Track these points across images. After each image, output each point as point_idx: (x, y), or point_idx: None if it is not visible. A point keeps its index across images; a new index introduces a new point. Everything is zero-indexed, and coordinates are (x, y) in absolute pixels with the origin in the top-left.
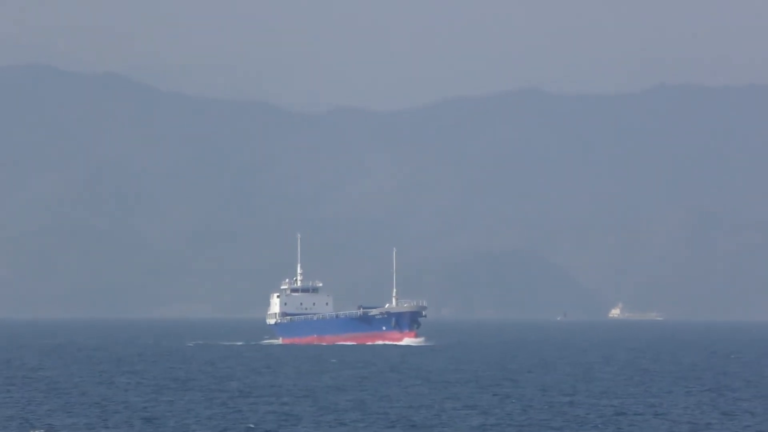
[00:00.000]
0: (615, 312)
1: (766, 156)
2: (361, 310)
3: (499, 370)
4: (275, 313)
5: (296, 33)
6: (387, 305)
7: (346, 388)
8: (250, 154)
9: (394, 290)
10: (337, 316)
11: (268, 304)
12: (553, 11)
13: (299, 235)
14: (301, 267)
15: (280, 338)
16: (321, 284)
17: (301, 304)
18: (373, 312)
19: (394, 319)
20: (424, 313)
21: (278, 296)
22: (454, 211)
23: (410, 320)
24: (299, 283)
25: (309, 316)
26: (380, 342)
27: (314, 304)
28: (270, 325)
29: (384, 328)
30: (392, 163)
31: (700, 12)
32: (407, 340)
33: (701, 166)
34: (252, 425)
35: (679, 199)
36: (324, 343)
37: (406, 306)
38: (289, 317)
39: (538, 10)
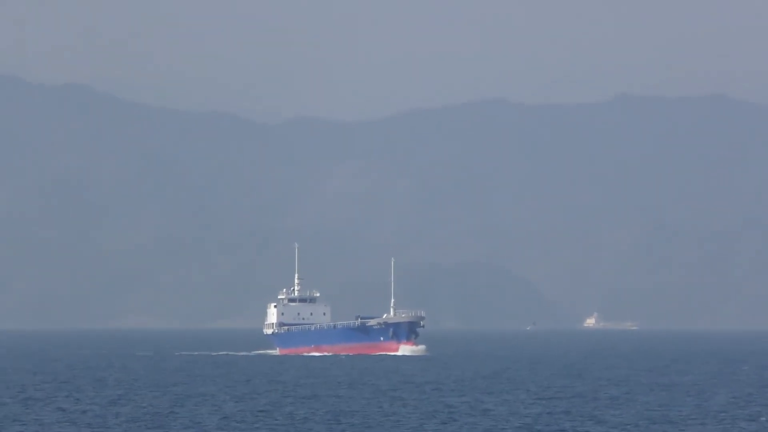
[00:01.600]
0: (590, 321)
1: (726, 167)
2: (359, 320)
3: (605, 381)
4: (272, 324)
5: (256, 44)
6: (385, 315)
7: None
8: (210, 165)
9: (392, 300)
10: (334, 327)
11: (265, 314)
12: (514, 22)
13: (297, 245)
14: (298, 277)
15: (278, 349)
16: (318, 294)
17: (299, 314)
18: (371, 322)
19: (391, 330)
20: (422, 323)
21: (275, 306)
22: (414, 222)
23: (408, 330)
24: (296, 293)
25: (306, 326)
26: (378, 353)
27: (312, 314)
28: (267, 335)
29: (382, 338)
30: (353, 174)
31: (660, 23)
32: (405, 349)
33: (661, 177)
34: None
35: (639, 210)
36: (322, 354)
37: (404, 316)
38: (286, 327)
39: (499, 22)
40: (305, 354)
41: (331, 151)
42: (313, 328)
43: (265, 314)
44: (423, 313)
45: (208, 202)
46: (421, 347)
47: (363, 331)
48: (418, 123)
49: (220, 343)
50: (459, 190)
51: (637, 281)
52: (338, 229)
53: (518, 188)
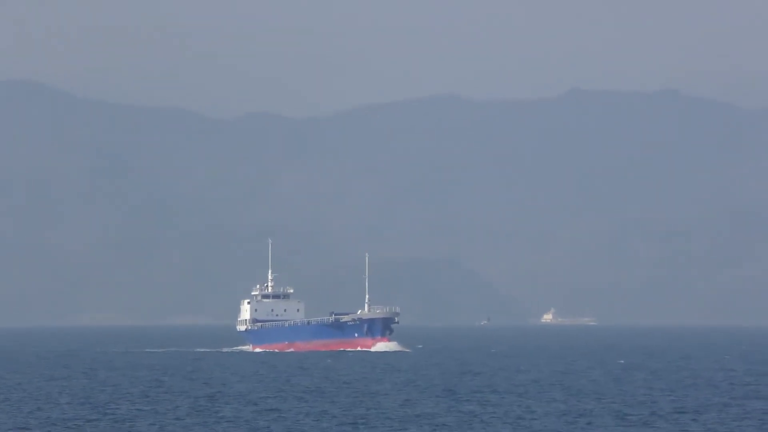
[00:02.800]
0: (547, 317)
1: (680, 162)
2: (333, 316)
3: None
4: (246, 320)
5: (208, 38)
6: (359, 311)
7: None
8: (167, 161)
9: (367, 296)
10: (308, 323)
11: (238, 311)
12: (467, 18)
13: (270, 241)
14: (272, 273)
15: (251, 345)
16: (292, 290)
17: (272, 310)
18: (345, 318)
19: (366, 326)
20: (396, 319)
21: (249, 303)
22: (371, 219)
23: (383, 326)
24: (270, 289)
25: (280, 322)
26: (353, 349)
27: (285, 310)
28: (240, 332)
29: (356, 334)
30: (309, 170)
31: (611, 17)
32: (380, 346)
33: (616, 172)
34: None
35: (594, 206)
36: (295, 350)
37: (379, 312)
38: (260, 324)
39: (452, 17)
40: (279, 351)
41: (287, 147)
42: (287, 324)
43: (238, 311)
44: (398, 309)
45: (165, 199)
46: (394, 343)
47: (337, 328)
48: (373, 119)
49: (185, 340)
50: (415, 186)
51: (592, 278)
52: (296, 225)
53: (474, 184)
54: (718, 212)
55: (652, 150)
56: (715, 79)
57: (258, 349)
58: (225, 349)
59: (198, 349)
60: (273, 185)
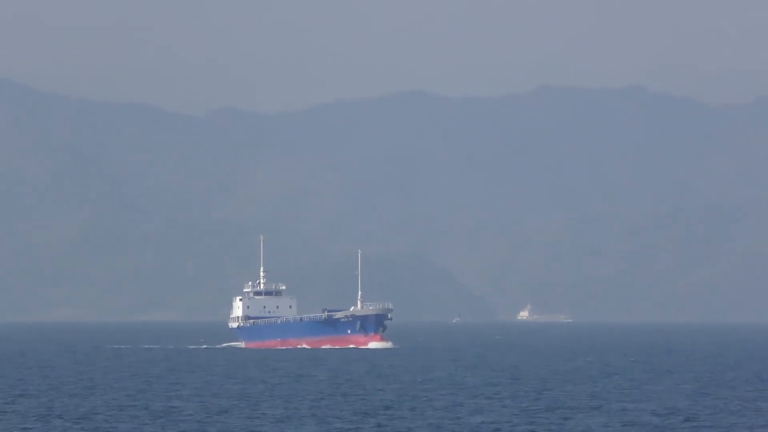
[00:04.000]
0: (523, 314)
1: (647, 158)
2: (326, 313)
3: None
4: (238, 317)
5: (174, 34)
6: (352, 308)
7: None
8: (134, 157)
9: (359, 293)
10: (301, 320)
11: (230, 307)
12: (435, 13)
13: (262, 237)
14: (264, 269)
15: (243, 342)
16: (284, 287)
17: (264, 307)
18: (338, 315)
19: (359, 323)
20: (389, 315)
21: (241, 299)
22: (339, 215)
23: (376, 323)
24: (262, 285)
25: (272, 319)
26: (346, 346)
27: (278, 307)
28: (232, 328)
29: (349, 331)
30: (276, 166)
31: (579, 14)
32: (373, 344)
33: (585, 168)
34: None
35: (562, 202)
36: (288, 347)
37: (372, 308)
38: (252, 321)
39: (420, 12)
40: (272, 348)
41: (255, 143)
42: (279, 321)
43: (230, 307)
44: (391, 306)
45: (133, 194)
46: (388, 341)
47: (330, 324)
48: (341, 114)
49: (162, 337)
50: (383, 183)
51: (561, 274)
52: (264, 221)
53: (442, 181)
54: (686, 208)
55: (620, 146)
56: (682, 76)
57: (250, 346)
58: (217, 346)
59: (191, 346)
60: (240, 181)
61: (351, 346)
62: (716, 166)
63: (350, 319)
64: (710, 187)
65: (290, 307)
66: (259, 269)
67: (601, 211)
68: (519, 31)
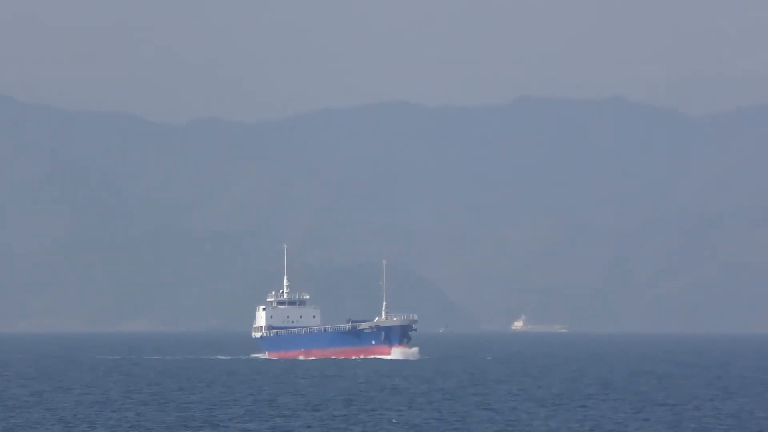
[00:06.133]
0: (518, 324)
1: (627, 168)
2: (350, 323)
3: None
4: (261, 327)
5: (157, 44)
6: (377, 318)
7: None
8: (114, 166)
9: (384, 303)
10: (325, 330)
11: (253, 317)
12: (416, 23)
13: (285, 246)
14: (287, 279)
15: (266, 353)
16: (308, 296)
17: (288, 317)
18: (363, 326)
19: (383, 333)
20: (414, 326)
21: (264, 309)
22: (320, 223)
23: (401, 334)
24: (285, 295)
25: (296, 329)
26: (370, 356)
27: (301, 317)
28: (256, 338)
29: (374, 341)
30: (258, 175)
31: (559, 25)
32: (397, 353)
33: (566, 178)
34: None
35: (543, 213)
36: (312, 358)
37: (396, 319)
38: (275, 331)
39: (402, 23)
40: (296, 358)
41: (236, 152)
42: (303, 331)
43: (253, 317)
44: (416, 317)
45: (112, 203)
46: (415, 350)
47: (354, 335)
48: (322, 124)
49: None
50: (364, 192)
51: (543, 283)
52: (245, 229)
53: (424, 190)
54: (666, 217)
55: (600, 156)
56: (662, 86)
57: (273, 356)
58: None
59: (219, 357)
60: (221, 190)
61: (375, 356)
62: (697, 176)
63: (375, 329)
64: (691, 196)
65: (314, 316)
66: (283, 279)
67: (581, 221)
68: (500, 43)
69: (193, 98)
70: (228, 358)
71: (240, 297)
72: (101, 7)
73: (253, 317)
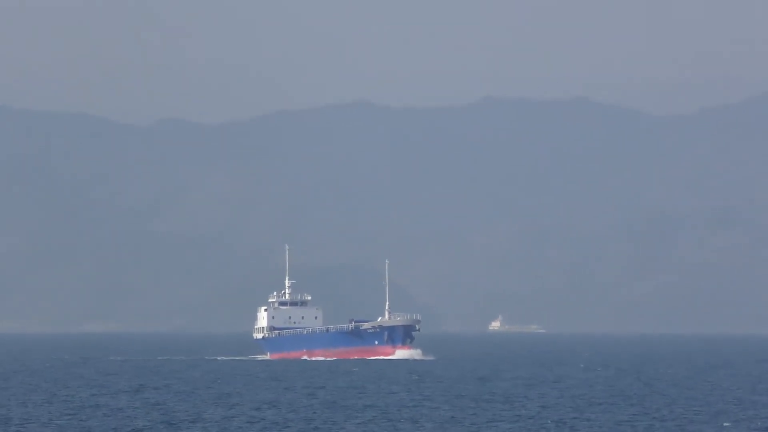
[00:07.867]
0: (495, 325)
1: (595, 169)
2: (353, 323)
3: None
4: (263, 328)
5: (121, 45)
6: (379, 319)
7: None
8: (79, 167)
9: (387, 304)
10: (327, 330)
11: (255, 318)
12: (378, 24)
13: (287, 247)
14: (289, 279)
15: (268, 353)
16: (310, 297)
17: (290, 317)
18: (365, 326)
19: (386, 333)
20: (417, 326)
21: (266, 310)
22: (285, 225)
23: (403, 334)
24: (287, 296)
25: (298, 330)
26: (373, 357)
27: (303, 317)
28: (257, 339)
29: (376, 342)
30: (222, 177)
31: (523, 25)
32: (401, 353)
33: (530, 179)
34: None
35: (510, 213)
36: (314, 358)
37: (399, 320)
38: (277, 331)
39: (364, 23)
40: (298, 358)
41: (200, 153)
42: (305, 332)
43: (254, 318)
44: (419, 317)
45: (77, 205)
46: (417, 351)
47: (357, 335)
48: (284, 125)
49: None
50: (329, 193)
51: (509, 285)
52: (209, 231)
53: (388, 191)
54: (632, 219)
55: (565, 157)
56: (624, 87)
57: (275, 357)
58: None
59: (220, 358)
60: (186, 192)
61: (378, 357)
62: (661, 177)
63: (377, 330)
64: (655, 197)
65: (315, 317)
66: (285, 279)
67: (547, 222)
68: (465, 43)
69: (157, 99)
70: (227, 358)
71: (205, 299)
72: (65, 8)
73: (254, 318)
